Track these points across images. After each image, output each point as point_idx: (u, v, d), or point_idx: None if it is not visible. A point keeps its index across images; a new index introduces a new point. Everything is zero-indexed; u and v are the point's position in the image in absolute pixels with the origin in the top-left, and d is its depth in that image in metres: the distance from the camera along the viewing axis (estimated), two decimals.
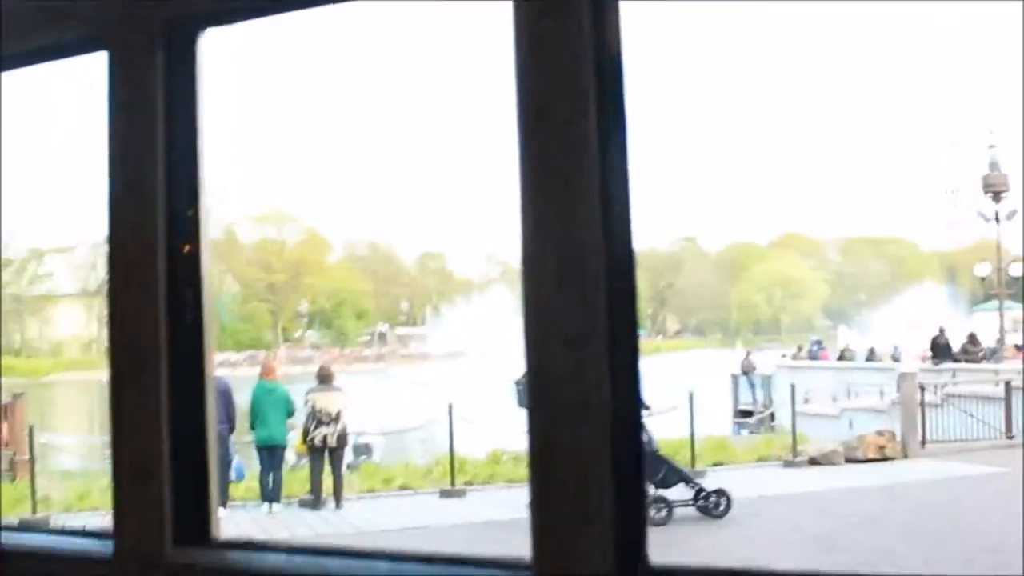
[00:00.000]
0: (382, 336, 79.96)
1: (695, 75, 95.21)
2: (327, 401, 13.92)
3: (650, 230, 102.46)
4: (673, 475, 12.55)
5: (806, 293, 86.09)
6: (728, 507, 12.45)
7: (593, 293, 0.71)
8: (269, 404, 13.74)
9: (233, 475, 13.97)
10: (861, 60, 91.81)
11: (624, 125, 0.73)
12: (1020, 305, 42.83)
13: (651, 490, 12.35)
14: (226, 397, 13.51)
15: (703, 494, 12.51)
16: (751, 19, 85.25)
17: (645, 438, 12.43)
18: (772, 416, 25.64)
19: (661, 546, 8.50)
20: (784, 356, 38.09)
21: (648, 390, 14.35)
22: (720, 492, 12.57)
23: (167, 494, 0.84)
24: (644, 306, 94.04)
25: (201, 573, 0.83)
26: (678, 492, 12.50)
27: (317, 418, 13.77)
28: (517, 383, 13.48)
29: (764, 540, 11.37)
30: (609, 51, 0.73)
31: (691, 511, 12.45)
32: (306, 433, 13.90)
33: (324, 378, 14.52)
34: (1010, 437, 18.03)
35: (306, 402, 14.16)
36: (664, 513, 12.18)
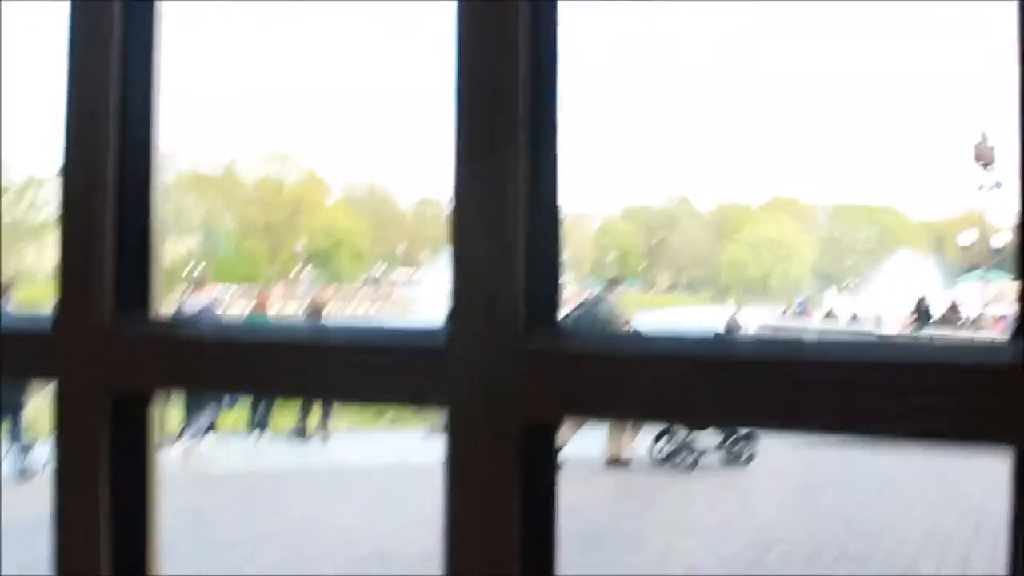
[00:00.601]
0: (377, 279, 80.00)
1: (696, 37, 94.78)
2: None
3: (644, 187, 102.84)
4: None
5: (795, 256, 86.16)
6: (753, 454, 12.15)
7: (515, 266, 0.76)
8: None
9: (226, 402, 14.31)
10: (859, 26, 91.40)
11: (556, 103, 0.76)
12: (1005, 275, 43.20)
13: (681, 436, 12.08)
14: None
15: (730, 439, 12.13)
16: None
17: None
18: None
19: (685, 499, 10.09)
20: (771, 315, 38.51)
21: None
22: (748, 436, 11.98)
23: (108, 269, 0.90)
24: (636, 260, 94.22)
25: (137, 341, 0.89)
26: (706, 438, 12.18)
27: None
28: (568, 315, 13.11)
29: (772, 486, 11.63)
30: (545, 29, 0.77)
31: (716, 458, 12.19)
32: None
33: (315, 311, 14.86)
34: None
35: None
36: (690, 459, 12.00)
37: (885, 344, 0.67)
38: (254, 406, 14.09)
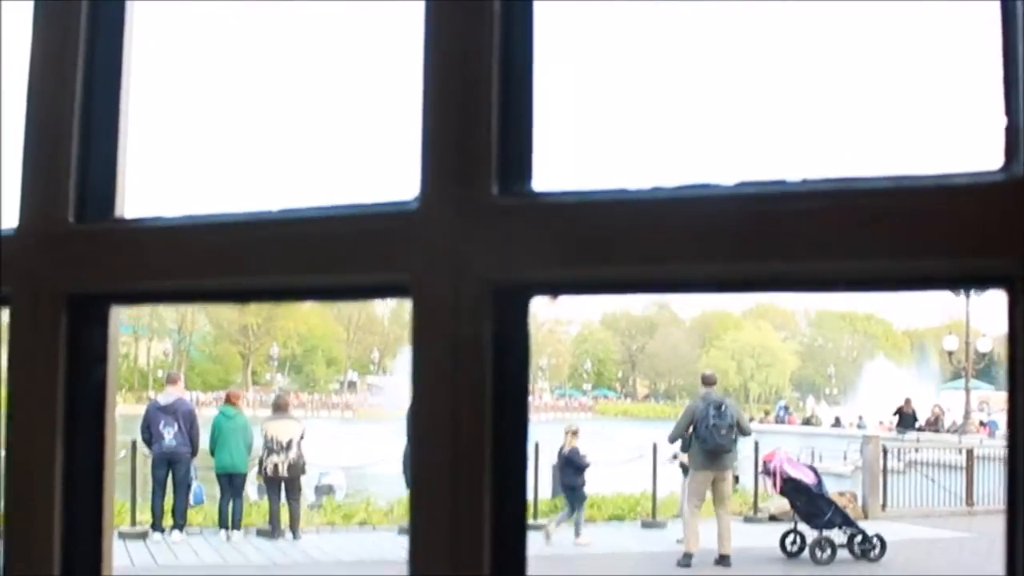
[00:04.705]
0: (351, 384, 79.60)
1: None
2: (279, 429, 13.78)
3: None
4: (837, 516, 12.84)
5: (776, 363, 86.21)
6: (883, 551, 12.77)
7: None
8: (230, 430, 13.62)
9: (192, 499, 13.82)
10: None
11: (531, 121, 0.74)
12: (987, 385, 43.14)
13: (816, 532, 12.79)
14: (189, 420, 13.42)
15: (860, 537, 12.84)
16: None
17: (814, 480, 12.80)
18: (736, 479, 25.55)
19: None
20: (752, 420, 38.30)
21: (616, 442, 14.39)
22: (877, 536, 12.90)
23: (72, 171, 0.87)
24: (615, 369, 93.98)
25: (101, 237, 0.87)
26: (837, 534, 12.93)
27: (269, 447, 13.63)
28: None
29: None
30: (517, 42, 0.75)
31: (847, 553, 12.83)
32: (260, 462, 13.79)
33: (279, 407, 14.50)
34: (971, 505, 18.08)
35: (262, 432, 14.13)
36: (828, 553, 12.61)
37: (869, 177, 0.63)
38: (223, 503, 13.60)
